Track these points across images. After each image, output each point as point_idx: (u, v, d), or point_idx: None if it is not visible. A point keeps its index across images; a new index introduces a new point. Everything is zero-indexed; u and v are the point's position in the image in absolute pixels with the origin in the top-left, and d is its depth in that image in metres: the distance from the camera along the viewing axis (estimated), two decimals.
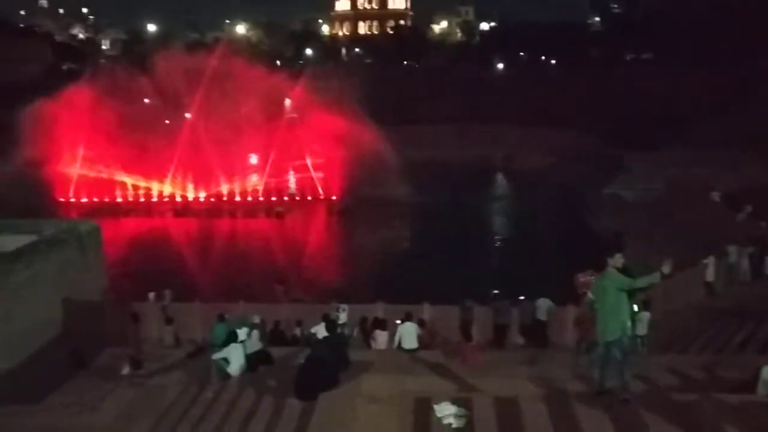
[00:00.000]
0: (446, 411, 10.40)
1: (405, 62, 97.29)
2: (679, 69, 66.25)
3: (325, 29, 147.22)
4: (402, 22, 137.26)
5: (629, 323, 10.18)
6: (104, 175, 51.62)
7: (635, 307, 11.75)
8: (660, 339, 18.06)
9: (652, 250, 29.45)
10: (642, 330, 16.79)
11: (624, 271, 10.18)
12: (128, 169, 51.63)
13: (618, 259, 10.20)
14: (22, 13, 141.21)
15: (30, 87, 61.10)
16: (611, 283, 10.03)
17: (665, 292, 19.86)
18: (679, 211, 34.69)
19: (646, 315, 17.13)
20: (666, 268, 9.59)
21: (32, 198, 45.20)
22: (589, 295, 10.54)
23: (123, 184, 51.62)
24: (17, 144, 47.92)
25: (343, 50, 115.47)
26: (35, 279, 19.31)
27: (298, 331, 19.43)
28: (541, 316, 19.46)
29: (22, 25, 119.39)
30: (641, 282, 9.99)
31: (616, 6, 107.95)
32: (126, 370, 15.10)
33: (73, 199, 50.66)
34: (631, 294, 10.18)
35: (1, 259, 19.25)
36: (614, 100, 62.11)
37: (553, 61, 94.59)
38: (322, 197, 50.52)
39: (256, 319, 18.60)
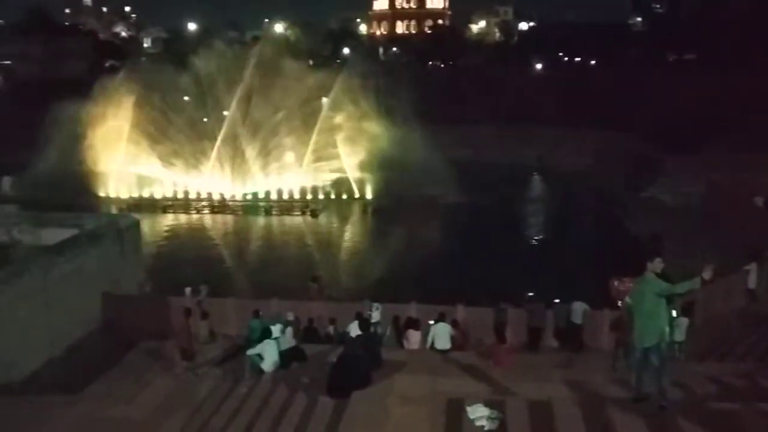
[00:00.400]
0: (479, 413, 10.34)
1: (442, 62, 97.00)
2: (723, 70, 64.88)
3: (363, 28, 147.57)
4: (440, 21, 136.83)
5: (668, 329, 10.01)
6: (144, 172, 52.47)
7: (674, 313, 11.54)
8: (699, 346, 17.70)
9: (692, 255, 28.90)
10: (680, 336, 16.46)
11: (663, 276, 10.01)
12: (167, 166, 52.43)
13: (657, 264, 10.03)
14: (67, 11, 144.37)
15: (73, 84, 62.42)
16: (650, 288, 9.87)
17: (705, 298, 19.45)
18: (721, 216, 33.97)
19: (684, 321, 16.79)
20: (707, 274, 9.40)
21: (74, 193, 46.17)
22: (627, 299, 10.38)
23: (162, 181, 52.41)
24: (60, 140, 49.05)
25: (381, 49, 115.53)
26: (76, 272, 19.74)
27: (331, 329, 19.49)
28: (576, 319, 19.21)
29: (67, 24, 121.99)
30: (681, 288, 9.80)
31: (658, 6, 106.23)
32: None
33: (113, 195, 51.58)
34: (670, 299, 10.01)
35: (44, 252, 19.71)
36: (655, 102, 61.06)
37: (593, 62, 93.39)
38: (357, 196, 50.64)
39: (290, 316, 18.71)
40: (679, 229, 36.00)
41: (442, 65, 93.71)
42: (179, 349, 15.79)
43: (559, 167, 59.38)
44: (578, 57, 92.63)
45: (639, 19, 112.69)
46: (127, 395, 13.41)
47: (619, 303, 15.94)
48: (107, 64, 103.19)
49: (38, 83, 75.04)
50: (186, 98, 54.88)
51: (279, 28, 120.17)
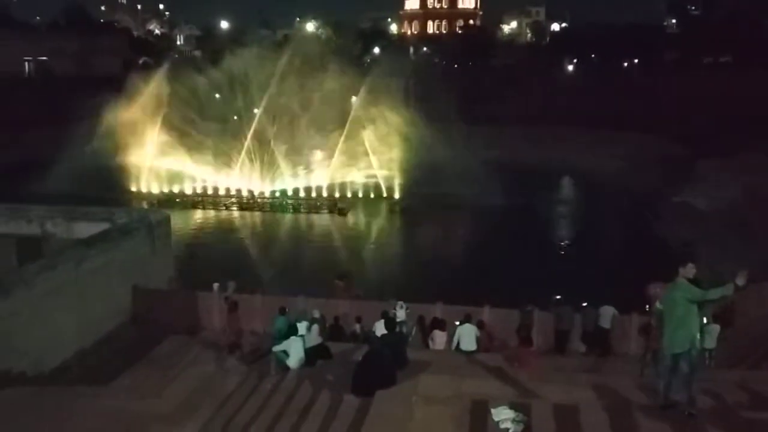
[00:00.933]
0: (503, 415, 10.27)
1: (473, 62, 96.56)
2: (760, 72, 63.65)
3: (394, 28, 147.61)
4: (471, 21, 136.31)
5: (698, 336, 9.83)
6: (174, 168, 53.07)
7: (704, 320, 11.34)
8: (730, 353, 17.39)
9: (724, 261, 28.40)
10: (711, 343, 16.20)
11: (695, 282, 9.83)
12: (197, 162, 52.97)
13: (690, 270, 9.85)
14: (103, 8, 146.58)
15: (107, 80, 63.33)
16: (682, 294, 9.70)
17: (738, 305, 19.09)
18: (755, 221, 33.34)
19: (715, 328, 16.51)
20: (740, 281, 9.21)
21: (106, 187, 46.91)
22: (658, 305, 10.21)
23: (192, 177, 52.96)
24: (94, 135, 49.85)
25: (411, 49, 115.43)
26: (107, 265, 20.03)
27: (357, 328, 19.52)
28: (604, 323, 18.99)
29: (102, 21, 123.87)
30: (713, 294, 9.62)
31: (693, 8, 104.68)
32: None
33: (144, 190, 52.27)
34: (702, 306, 9.84)
35: (75, 246, 20.03)
36: (690, 104, 60.15)
37: (626, 64, 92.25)
38: (385, 195, 50.65)
39: (316, 314, 18.77)
40: (712, 235, 35.43)
41: (473, 65, 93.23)
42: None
43: (591, 170, 58.70)
44: (611, 58, 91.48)
45: (674, 21, 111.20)
46: (154, 388, 13.57)
47: (647, 307, 15.68)
48: (140, 61, 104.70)
49: (73, 79, 76.32)
50: (217, 95, 55.37)
51: (310, 27, 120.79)
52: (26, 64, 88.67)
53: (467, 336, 16.49)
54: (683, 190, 45.89)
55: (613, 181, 54.32)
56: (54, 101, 68.28)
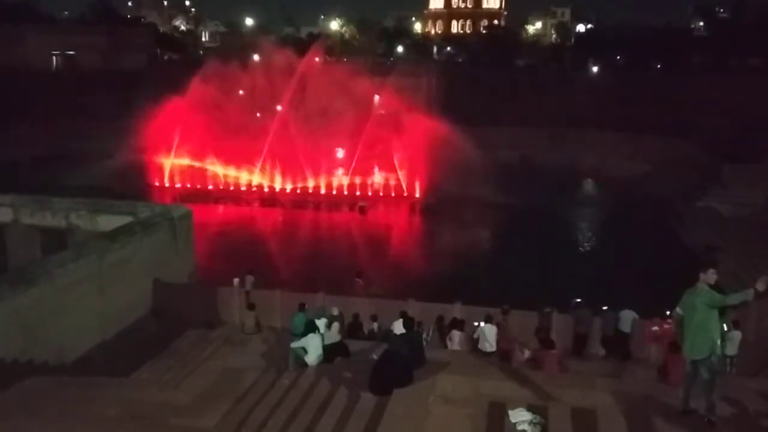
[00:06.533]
0: (521, 417, 10.25)
1: (497, 62, 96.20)
2: None
3: (418, 27, 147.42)
4: (495, 21, 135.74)
5: (719, 342, 9.74)
6: (197, 163, 53.50)
7: (725, 326, 11.22)
8: (752, 361, 17.18)
9: (747, 267, 28.06)
10: (732, 350, 16.03)
11: (716, 288, 9.74)
12: (220, 158, 53.36)
13: (711, 275, 9.75)
14: (129, 4, 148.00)
15: (133, 75, 64.02)
16: (701, 300, 9.62)
17: (759, 311, 18.86)
18: None
19: (737, 334, 16.33)
20: (761, 286, 9.10)
21: (130, 182, 47.43)
22: (677, 310, 10.12)
23: (215, 173, 53.35)
24: (119, 130, 50.41)
25: (435, 48, 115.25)
26: (129, 258, 20.25)
27: (375, 326, 19.57)
28: (624, 327, 18.86)
29: (128, 16, 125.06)
30: (733, 299, 9.53)
31: (722, 11, 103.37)
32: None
33: (167, 185, 52.77)
34: (722, 312, 9.74)
35: (98, 238, 20.27)
36: (716, 108, 59.40)
37: (652, 66, 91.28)
38: (405, 194, 50.65)
39: (335, 311, 18.84)
40: (735, 240, 35.01)
41: (497, 65, 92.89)
42: None
43: (614, 173, 58.23)
44: (637, 60, 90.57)
45: (701, 23, 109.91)
46: (174, 381, 13.71)
47: (668, 312, 15.58)
48: (166, 57, 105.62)
49: (100, 73, 77.18)
50: (240, 92, 55.70)
51: (334, 25, 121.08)
52: (54, 58, 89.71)
53: (487, 336, 16.46)
54: (707, 195, 45.37)
55: (636, 184, 53.84)
56: (81, 95, 69.16)
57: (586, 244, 42.31)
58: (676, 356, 11.75)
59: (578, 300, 19.92)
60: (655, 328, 18.05)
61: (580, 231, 45.57)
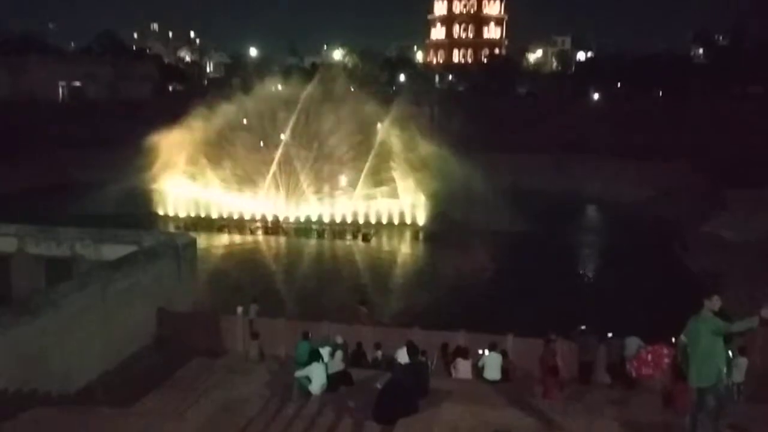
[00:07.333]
0: None
1: (498, 90, 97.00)
2: None
3: (420, 56, 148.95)
4: (497, 50, 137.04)
5: (725, 369, 9.69)
6: (202, 192, 53.65)
7: (731, 353, 11.16)
8: (759, 388, 17.03)
9: (752, 293, 27.92)
10: (739, 377, 15.90)
11: (721, 314, 9.71)
12: (224, 187, 53.55)
13: (716, 302, 9.73)
14: (135, 36, 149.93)
15: (138, 105, 64.59)
16: (706, 327, 9.58)
17: (766, 338, 18.74)
18: None
19: (743, 361, 16.22)
20: (766, 312, 9.08)
21: (134, 210, 47.60)
22: (682, 337, 10.08)
23: (219, 201, 53.47)
24: (124, 158, 50.71)
25: (437, 77, 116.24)
26: (133, 288, 20.25)
27: (379, 354, 19.47)
28: (630, 355, 18.72)
29: (134, 48, 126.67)
30: (738, 326, 9.50)
31: (721, 38, 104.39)
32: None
33: (171, 213, 52.90)
34: (728, 338, 9.70)
35: (103, 268, 20.31)
36: (718, 134, 59.64)
37: (653, 93, 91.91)
38: (409, 222, 50.70)
39: (339, 340, 18.76)
40: (740, 266, 34.88)
41: (498, 93, 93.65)
42: None
43: (618, 199, 58.28)
44: (638, 87, 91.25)
45: (701, 50, 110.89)
46: (177, 411, 13.63)
47: (674, 340, 15.48)
48: (171, 87, 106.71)
49: (105, 103, 77.95)
50: (244, 121, 56.09)
51: (337, 54, 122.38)
52: (60, 88, 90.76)
53: (492, 365, 16.38)
54: (711, 221, 45.33)
55: (639, 210, 53.88)
56: (86, 124, 69.78)
57: (590, 270, 42.21)
58: (682, 384, 11.64)
59: (583, 327, 19.81)
60: (646, 353, 17.80)
61: (584, 257, 45.50)
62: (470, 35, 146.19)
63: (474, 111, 69.21)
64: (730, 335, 9.70)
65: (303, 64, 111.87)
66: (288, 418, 12.56)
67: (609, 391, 17.79)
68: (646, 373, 17.20)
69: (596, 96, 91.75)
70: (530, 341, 19.53)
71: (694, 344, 9.73)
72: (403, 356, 14.98)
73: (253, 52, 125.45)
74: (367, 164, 51.82)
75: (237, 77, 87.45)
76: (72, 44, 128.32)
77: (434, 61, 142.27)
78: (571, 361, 19.00)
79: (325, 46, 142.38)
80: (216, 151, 53.25)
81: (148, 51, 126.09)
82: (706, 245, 41.46)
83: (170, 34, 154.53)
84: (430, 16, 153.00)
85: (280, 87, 56.25)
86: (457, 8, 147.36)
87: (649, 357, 17.32)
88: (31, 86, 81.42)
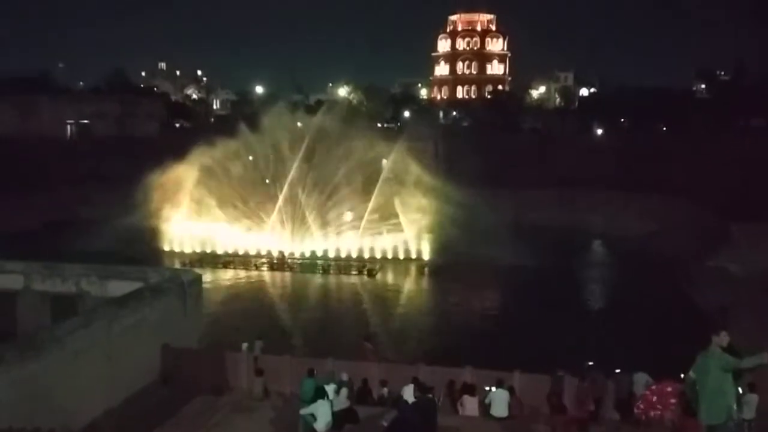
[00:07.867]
0: None
1: (502, 126, 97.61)
2: None
3: (424, 93, 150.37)
4: (500, 87, 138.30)
5: (735, 406, 9.59)
6: (207, 228, 53.79)
7: (740, 389, 11.05)
8: None
9: (760, 328, 27.71)
10: (749, 414, 15.69)
11: (730, 350, 9.65)
12: (229, 223, 53.73)
13: (724, 338, 9.69)
14: (143, 74, 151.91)
15: (147, 142, 65.14)
16: (714, 363, 9.52)
17: None
18: None
19: (754, 397, 16.01)
20: None
21: (140, 246, 47.71)
22: (690, 374, 10.00)
23: (224, 237, 53.56)
24: (131, 195, 51.03)
25: (441, 113, 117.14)
26: (138, 324, 20.21)
27: (384, 391, 19.31)
28: (639, 390, 18.53)
29: (142, 86, 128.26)
30: (747, 362, 9.43)
31: (723, 73, 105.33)
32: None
33: (177, 249, 52.99)
34: (738, 375, 9.62)
35: (108, 305, 20.32)
36: (722, 168, 59.73)
37: (656, 128, 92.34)
38: (414, 257, 50.69)
39: (345, 377, 18.63)
40: (747, 301, 34.65)
41: (501, 129, 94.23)
42: None
43: (623, 233, 58.21)
44: (641, 122, 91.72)
45: (703, 86, 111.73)
46: None
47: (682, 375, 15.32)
48: (178, 124, 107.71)
49: (113, 141, 78.70)
50: (250, 157, 56.52)
51: (342, 91, 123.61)
52: (68, 127, 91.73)
53: (499, 401, 16.23)
54: (717, 255, 45.15)
55: (644, 244, 53.76)
56: (94, 162, 70.41)
57: (596, 305, 41.98)
58: (692, 420, 11.47)
59: (591, 363, 19.66)
60: (651, 394, 17.53)
61: (590, 292, 45.30)
62: (474, 72, 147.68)
63: (478, 146, 69.60)
64: (740, 371, 9.62)
65: (308, 101, 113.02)
66: None
67: (618, 428, 17.58)
68: (654, 415, 16.98)
69: (600, 131, 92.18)
70: (537, 377, 19.40)
71: (703, 380, 9.66)
72: (408, 393, 14.89)
73: (258, 89, 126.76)
74: (372, 200, 52.04)
75: (242, 114, 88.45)
76: (81, 83, 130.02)
77: (438, 97, 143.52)
78: (584, 399, 18.77)
79: (330, 83, 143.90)
80: (221, 187, 53.57)
81: (155, 89, 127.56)
82: (712, 279, 41.26)
83: (177, 72, 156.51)
84: (434, 54, 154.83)
85: (285, 123, 56.65)
86: (461, 45, 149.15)
87: (654, 398, 17.08)
88: (40, 125, 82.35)
